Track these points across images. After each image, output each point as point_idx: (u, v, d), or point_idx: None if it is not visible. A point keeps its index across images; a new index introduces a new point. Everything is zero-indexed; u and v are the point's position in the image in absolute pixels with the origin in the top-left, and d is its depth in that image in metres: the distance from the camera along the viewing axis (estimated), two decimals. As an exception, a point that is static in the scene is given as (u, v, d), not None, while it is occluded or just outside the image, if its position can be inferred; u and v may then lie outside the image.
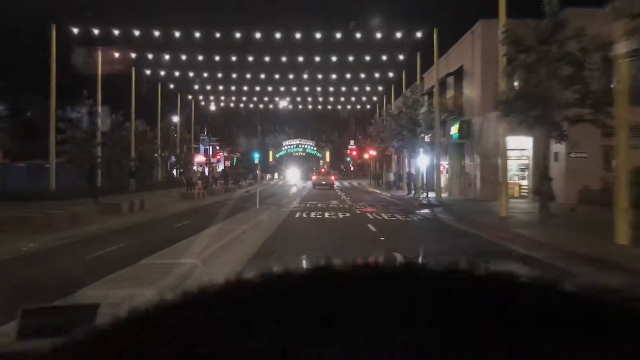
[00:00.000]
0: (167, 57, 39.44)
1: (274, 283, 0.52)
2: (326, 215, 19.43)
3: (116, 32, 31.65)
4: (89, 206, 18.79)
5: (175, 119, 51.72)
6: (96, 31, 28.96)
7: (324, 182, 44.49)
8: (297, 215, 19.20)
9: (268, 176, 73.81)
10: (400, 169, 43.94)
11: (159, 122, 44.07)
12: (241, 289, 0.52)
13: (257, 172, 23.02)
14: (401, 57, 36.46)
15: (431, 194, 29.43)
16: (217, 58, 42.34)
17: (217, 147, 73.35)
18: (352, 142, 75.58)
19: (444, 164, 34.89)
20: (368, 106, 55.93)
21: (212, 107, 60.52)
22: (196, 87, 52.74)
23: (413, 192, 32.65)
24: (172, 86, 45.84)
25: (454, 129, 30.06)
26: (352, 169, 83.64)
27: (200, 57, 41.76)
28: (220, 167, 70.11)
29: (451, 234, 14.92)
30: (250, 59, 44.87)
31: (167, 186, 40.94)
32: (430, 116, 30.55)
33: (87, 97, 30.01)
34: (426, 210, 22.44)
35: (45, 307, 1.13)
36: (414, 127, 30.26)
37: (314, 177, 46.11)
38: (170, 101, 50.34)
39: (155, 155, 41.35)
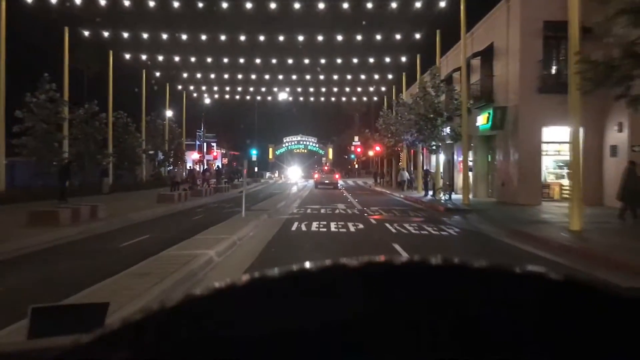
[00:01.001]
0: (154, 41, 34.36)
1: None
2: (333, 227, 14.39)
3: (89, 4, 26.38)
4: (45, 207, 13.79)
5: (166, 112, 46.94)
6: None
7: (327, 181, 40.64)
8: (294, 227, 14.15)
9: (267, 174, 70.11)
10: (411, 166, 38.96)
11: (144, 115, 39.03)
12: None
13: (244, 170, 17.44)
14: (417, 36, 31.55)
15: (453, 196, 24.63)
16: (212, 46, 37.68)
17: (214, 144, 68.54)
18: (356, 138, 70.94)
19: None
20: (375, 98, 51.06)
21: (208, 101, 56.04)
22: (189, 77, 48.20)
23: (431, 192, 27.68)
24: (159, 74, 40.74)
25: (482, 119, 24.96)
26: (356, 166, 79.26)
27: (194, 45, 37.06)
28: (218, 165, 65.86)
29: (515, 258, 9.88)
30: (249, 49, 40.38)
31: (152, 186, 36.15)
32: (453, 104, 25.46)
33: (50, 80, 24.91)
34: (457, 217, 17.52)
35: (55, 306, 1.12)
36: (434, 116, 25.10)
37: (316, 176, 42.10)
38: (160, 93, 45.48)
39: (139, 151, 36.22)
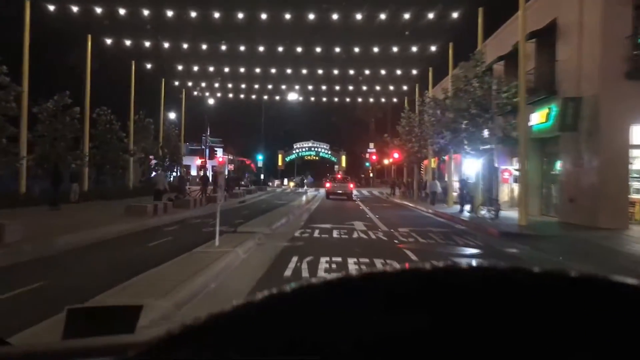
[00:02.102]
0: (148, 31, 29.22)
1: None
2: (351, 263, 9.03)
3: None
4: None
5: (162, 111, 41.99)
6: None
7: (340, 191, 36.07)
8: (290, 269, 8.70)
9: (276, 182, 64.88)
10: (436, 175, 33.47)
11: (132, 113, 33.78)
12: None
13: (220, 179, 11.64)
14: (448, 21, 25.87)
15: (503, 213, 19.07)
16: (219, 44, 32.88)
17: (217, 149, 63.48)
18: (371, 144, 65.70)
19: (510, 168, 24.38)
20: (395, 99, 45.59)
21: (213, 101, 51.61)
22: (191, 74, 43.31)
23: (468, 208, 22.11)
24: (152, 68, 35.57)
25: (538, 116, 19.37)
26: (371, 175, 74.85)
27: (196, 39, 32.26)
28: (218, 172, 61.19)
29: None
30: (258, 47, 35.64)
31: (139, 194, 30.84)
32: (500, 98, 19.80)
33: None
34: (524, 247, 12.30)
35: (89, 307, 1.22)
36: (478, 112, 19.44)
37: (327, 185, 37.80)
38: (159, 91, 40.38)
39: (125, 154, 30.92)
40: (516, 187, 23.96)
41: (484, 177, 24.75)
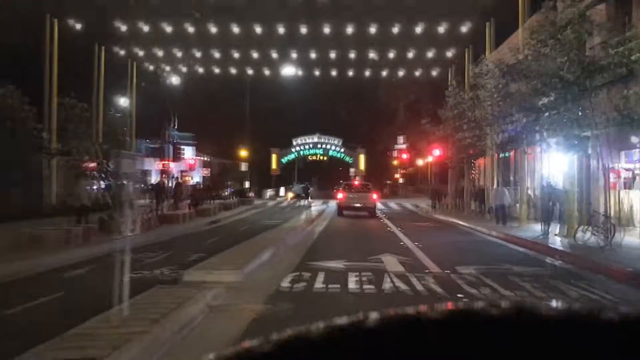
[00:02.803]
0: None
1: None
2: None
3: None
4: None
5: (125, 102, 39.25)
6: None
7: (358, 204, 34.54)
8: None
9: (269, 193, 63.66)
10: (500, 179, 30.56)
11: (48, 94, 30.71)
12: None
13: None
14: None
15: (628, 238, 16.52)
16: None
17: (186, 148, 60.70)
18: (400, 138, 63.28)
19: (620, 167, 21.16)
20: (434, 71, 42.97)
21: (179, 80, 51.01)
22: (145, 40, 41.06)
23: (558, 229, 19.10)
24: (83, 27, 32.63)
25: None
26: (400, 181, 73.46)
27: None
28: (193, 178, 58.84)
29: None
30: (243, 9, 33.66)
31: (62, 212, 27.59)
32: (611, 56, 16.47)
33: None
34: None
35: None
36: (581, 77, 16.09)
37: (340, 196, 36.22)
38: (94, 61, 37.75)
39: (39, 152, 27.78)
40: (629, 196, 20.54)
41: (579, 182, 21.42)
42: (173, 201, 31.08)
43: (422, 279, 11.77)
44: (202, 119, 68.74)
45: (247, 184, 54.95)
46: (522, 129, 21.67)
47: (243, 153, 57.20)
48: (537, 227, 21.19)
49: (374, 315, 0.60)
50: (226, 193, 56.41)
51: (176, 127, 65.58)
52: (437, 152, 41.21)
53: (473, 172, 36.96)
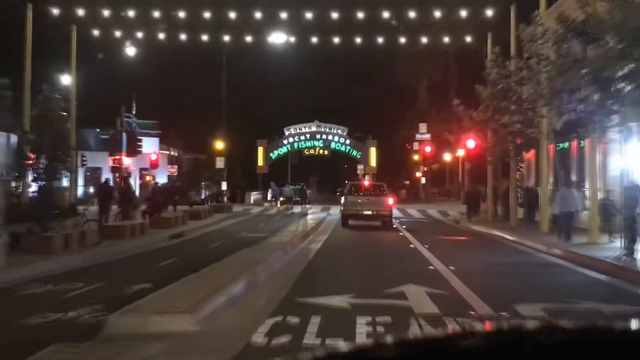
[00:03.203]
0: None
1: None
2: None
3: None
4: None
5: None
6: None
7: (368, 212, 34.69)
8: None
9: (253, 196, 63.19)
10: (560, 177, 29.42)
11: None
12: None
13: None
14: None
15: None
16: None
17: (147, 139, 59.11)
18: (422, 126, 64.34)
19: None
20: (468, 37, 42.13)
21: (134, 53, 50.00)
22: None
23: None
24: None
25: None
26: (422, 181, 72.18)
27: None
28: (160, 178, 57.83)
29: None
30: None
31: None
32: None
33: None
34: None
35: None
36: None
37: (344, 200, 36.17)
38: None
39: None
40: None
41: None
42: (121, 209, 29.65)
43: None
44: (168, 103, 69.15)
45: (223, 186, 53.32)
46: (594, 108, 19.85)
47: (218, 145, 55.48)
48: (615, 244, 20.58)
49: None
50: (202, 197, 55.26)
51: (135, 112, 65.77)
52: (471, 143, 40.27)
53: (520, 168, 36.84)
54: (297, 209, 49.76)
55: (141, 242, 24.82)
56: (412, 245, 24.39)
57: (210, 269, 15.47)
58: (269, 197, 58.93)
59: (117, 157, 45.68)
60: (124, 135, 45.23)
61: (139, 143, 51.44)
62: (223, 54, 50.84)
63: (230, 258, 17.87)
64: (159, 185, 43.91)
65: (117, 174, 45.76)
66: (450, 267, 17.19)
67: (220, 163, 53.12)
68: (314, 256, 20.95)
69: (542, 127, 27.72)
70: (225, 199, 53.53)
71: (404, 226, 35.17)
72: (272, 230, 30.47)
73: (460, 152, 54.40)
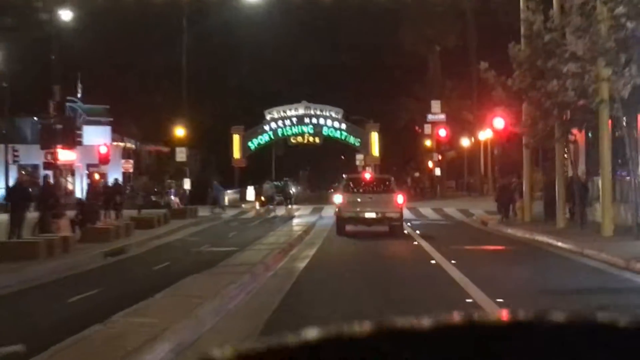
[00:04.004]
0: None
1: None
2: None
3: None
4: None
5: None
6: None
7: (371, 214, 33.07)
8: None
9: (227, 196, 61.09)
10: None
11: None
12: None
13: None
14: None
15: None
16: None
17: (93, 127, 59.57)
18: (435, 104, 63.47)
19: None
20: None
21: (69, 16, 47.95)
22: None
23: None
24: None
25: None
26: (436, 172, 72.73)
27: None
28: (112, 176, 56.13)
29: None
30: None
31: None
32: None
33: None
34: None
35: None
36: None
37: (341, 199, 34.21)
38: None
39: None
40: None
41: None
42: (39, 217, 28.17)
43: None
44: (122, 84, 68.15)
45: (185, 183, 50.64)
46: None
47: (178, 132, 52.67)
48: None
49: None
50: (171, 198, 54.76)
51: (80, 96, 65.58)
52: (499, 122, 39.60)
53: (565, 152, 35.25)
54: (281, 210, 48.87)
55: (61, 263, 22.43)
56: (433, 261, 21.82)
57: (130, 313, 13.10)
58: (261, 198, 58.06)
59: (51, 150, 43.81)
60: (58, 125, 44.02)
61: (78, 132, 49.18)
62: (183, 15, 48.37)
63: (169, 291, 15.77)
64: (100, 185, 41.24)
65: (59, 172, 43.63)
66: (498, 300, 14.40)
67: (181, 155, 50.47)
68: (294, 283, 18.31)
69: (602, 94, 25.90)
70: (176, 201, 52.23)
71: (417, 231, 33.61)
72: (244, 242, 28.79)
73: (484, 135, 54.02)
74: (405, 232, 32.92)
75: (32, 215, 29.31)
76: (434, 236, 30.97)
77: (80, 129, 59.96)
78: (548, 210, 34.85)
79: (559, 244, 25.59)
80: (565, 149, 34.39)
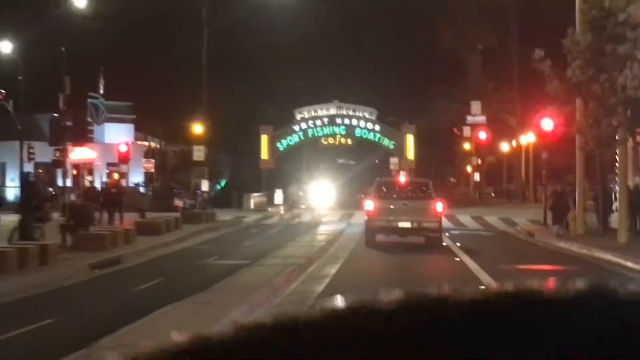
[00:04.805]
0: None
1: None
2: None
3: None
4: None
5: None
6: None
7: (406, 223, 30.98)
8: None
9: (253, 199, 59.27)
10: None
11: None
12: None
13: None
14: None
15: None
16: None
17: (117, 125, 61.39)
18: (475, 106, 62.20)
19: None
20: None
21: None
22: None
23: None
24: None
25: None
26: (475, 177, 70.48)
27: None
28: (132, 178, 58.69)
29: None
30: None
31: None
32: None
33: None
34: None
35: None
36: None
37: (372, 206, 31.63)
38: None
39: None
40: None
41: None
42: (19, 221, 25.51)
43: None
44: (147, 80, 65.72)
45: (204, 185, 47.57)
46: None
47: (196, 129, 49.52)
48: None
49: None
50: (186, 200, 52.56)
51: (102, 92, 63.43)
52: (547, 123, 36.88)
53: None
54: (308, 216, 48.07)
55: (32, 279, 19.63)
56: (482, 287, 16.71)
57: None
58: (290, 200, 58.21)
59: (61, 147, 43.38)
60: (65, 120, 43.37)
61: (90, 128, 47.47)
62: (203, 6, 46.17)
63: (119, 335, 12.88)
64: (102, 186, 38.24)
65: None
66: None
67: (199, 153, 47.15)
68: (312, 306, 14.15)
69: None
70: (180, 204, 50.24)
71: (458, 243, 30.65)
72: (258, 253, 26.32)
73: (526, 139, 53.65)
74: (444, 244, 30.39)
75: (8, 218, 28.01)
76: (477, 250, 28.32)
77: (92, 125, 57.91)
78: (604, 220, 32.92)
79: (629, 264, 22.78)
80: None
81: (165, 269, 23.32)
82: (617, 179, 34.02)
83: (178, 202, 47.98)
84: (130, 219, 35.95)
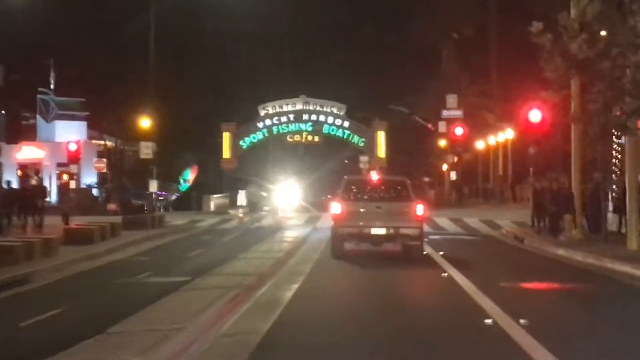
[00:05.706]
0: None
1: None
2: None
3: None
4: None
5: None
6: None
7: (380, 230, 26.64)
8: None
9: (213, 201, 58.13)
10: None
11: None
12: None
13: None
14: None
15: None
16: None
17: (22, 120, 57.97)
18: (451, 99, 60.49)
19: None
20: None
21: None
22: None
23: None
24: None
25: None
26: (451, 176, 68.52)
27: None
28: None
29: None
30: None
31: None
32: None
33: None
34: None
35: None
36: None
37: (339, 209, 27.70)
38: None
39: None
40: None
41: None
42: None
43: None
44: (101, 74, 63.59)
45: (152, 186, 44.08)
46: None
47: (143, 123, 45.66)
48: None
49: None
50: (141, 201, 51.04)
51: (53, 87, 62.55)
52: (536, 115, 34.64)
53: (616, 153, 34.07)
54: (269, 220, 46.48)
55: None
56: (489, 321, 12.73)
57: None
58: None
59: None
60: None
61: (22, 122, 46.47)
62: None
63: None
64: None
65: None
66: None
67: (146, 151, 43.26)
68: (260, 343, 11.17)
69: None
70: (112, 206, 47.65)
71: (440, 253, 26.71)
72: (201, 267, 22.49)
73: (503, 136, 54.14)
74: (424, 252, 26.23)
75: None
76: (465, 261, 24.35)
77: (28, 120, 58.27)
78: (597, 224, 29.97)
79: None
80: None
81: (78, 292, 19.13)
82: (613, 176, 33.23)
83: (111, 206, 44.36)
84: (61, 225, 31.39)
